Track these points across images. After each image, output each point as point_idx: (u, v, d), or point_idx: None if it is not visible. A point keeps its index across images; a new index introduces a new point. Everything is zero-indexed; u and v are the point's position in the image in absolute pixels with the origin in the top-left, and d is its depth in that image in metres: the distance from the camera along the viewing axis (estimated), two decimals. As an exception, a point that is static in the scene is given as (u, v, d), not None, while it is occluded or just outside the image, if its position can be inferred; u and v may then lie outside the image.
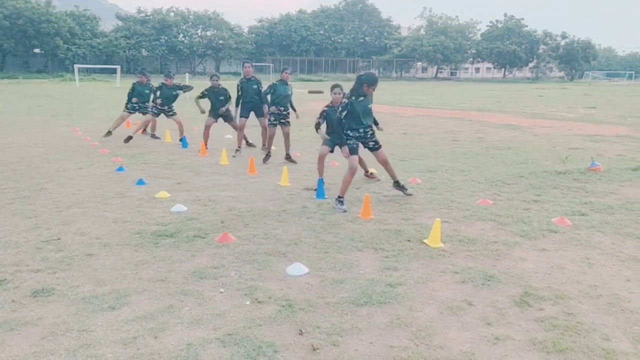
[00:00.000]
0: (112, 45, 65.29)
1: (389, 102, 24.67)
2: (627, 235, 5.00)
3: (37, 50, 62.40)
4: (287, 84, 9.02)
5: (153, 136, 12.21)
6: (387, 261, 4.30)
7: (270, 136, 9.18)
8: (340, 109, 6.16)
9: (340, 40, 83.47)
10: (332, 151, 7.14)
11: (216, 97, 10.02)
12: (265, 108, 9.39)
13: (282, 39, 78.96)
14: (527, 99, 29.42)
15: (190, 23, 73.87)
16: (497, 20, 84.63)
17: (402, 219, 5.52)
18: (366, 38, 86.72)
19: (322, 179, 6.72)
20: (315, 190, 6.63)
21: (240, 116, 9.56)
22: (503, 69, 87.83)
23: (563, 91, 41.59)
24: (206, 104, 10.13)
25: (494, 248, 4.63)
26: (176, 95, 10.87)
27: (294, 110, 9.08)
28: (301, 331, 3.14)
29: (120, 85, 37.50)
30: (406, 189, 6.53)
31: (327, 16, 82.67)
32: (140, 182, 7.22)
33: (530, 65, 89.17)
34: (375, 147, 6.35)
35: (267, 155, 9.16)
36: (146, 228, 5.16)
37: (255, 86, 9.49)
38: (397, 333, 3.14)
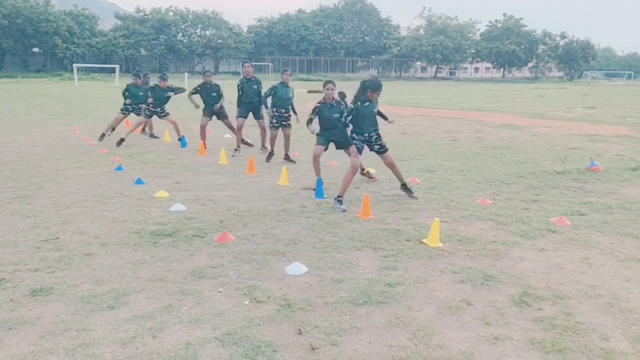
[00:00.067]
0: (111, 45, 65.23)
1: (388, 102, 24.66)
2: (626, 235, 5.00)
3: (35, 50, 62.31)
4: (287, 86, 9.00)
5: (152, 136, 12.20)
6: (386, 261, 4.30)
7: (272, 138, 9.17)
8: (346, 113, 6.25)
9: (339, 40, 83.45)
10: (326, 149, 7.14)
11: (209, 94, 10.01)
12: (263, 110, 9.41)
13: (281, 39, 78.92)
14: (526, 99, 29.44)
15: (189, 22, 73.81)
16: (496, 20, 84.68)
17: (401, 219, 5.52)
18: (365, 38, 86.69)
19: (321, 179, 6.72)
20: (314, 190, 6.63)
21: (240, 116, 9.56)
22: (502, 69, 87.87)
23: (562, 91, 41.62)
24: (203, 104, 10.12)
25: (493, 248, 4.64)
26: (168, 97, 10.82)
27: (295, 113, 9.06)
28: (300, 331, 3.14)
29: (119, 85, 37.45)
30: (412, 192, 6.51)
31: (326, 16, 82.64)
32: (139, 181, 7.21)
33: (530, 65, 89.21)
34: (381, 151, 6.37)
35: (270, 154, 9.16)
36: (145, 227, 5.15)
37: (255, 86, 9.49)
38: (396, 333, 3.14)
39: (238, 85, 9.59)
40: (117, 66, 46.26)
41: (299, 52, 79.30)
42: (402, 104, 24.27)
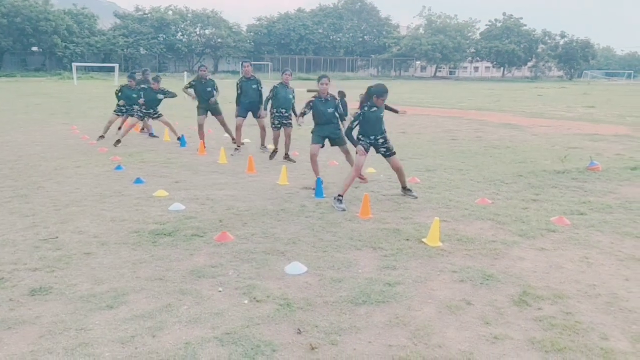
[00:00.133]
0: (111, 44, 65.21)
1: (388, 101, 24.66)
2: (625, 235, 5.00)
3: (35, 49, 62.27)
4: (288, 87, 8.98)
5: (151, 135, 12.20)
6: (385, 260, 4.30)
7: (276, 138, 9.17)
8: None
9: (339, 39, 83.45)
10: (322, 146, 7.13)
11: (204, 89, 9.99)
12: (262, 110, 9.40)
13: (281, 38, 78.90)
14: (526, 99, 29.43)
15: (189, 22, 73.78)
16: (496, 20, 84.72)
17: (401, 218, 5.52)
18: (365, 37, 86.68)
19: (321, 178, 6.72)
20: (314, 189, 6.63)
21: (239, 116, 9.54)
22: (502, 68, 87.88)
23: (562, 90, 41.62)
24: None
25: (492, 247, 4.63)
26: (160, 100, 10.78)
27: (296, 116, 9.02)
28: (300, 330, 3.14)
29: (119, 84, 37.44)
30: (412, 192, 6.52)
31: (326, 15, 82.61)
32: (139, 181, 7.20)
33: (530, 64, 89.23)
34: (388, 154, 6.38)
35: (274, 152, 9.15)
36: (144, 227, 5.15)
37: (254, 86, 9.47)
38: (396, 332, 3.14)
39: (237, 84, 9.58)
40: (116, 65, 46.24)
41: (299, 52, 79.28)
42: (401, 104, 24.25)
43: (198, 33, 74.96)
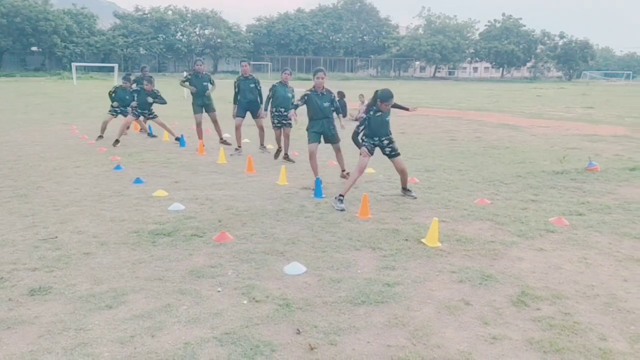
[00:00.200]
0: (110, 44, 65.19)
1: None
2: (624, 235, 5.01)
3: (34, 49, 62.23)
4: (287, 85, 8.97)
5: (149, 135, 12.19)
6: (384, 260, 4.30)
7: (277, 137, 9.17)
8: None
9: (338, 39, 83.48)
10: (319, 142, 7.12)
11: (200, 82, 9.99)
12: (262, 110, 9.40)
13: (280, 38, 78.91)
14: (525, 99, 29.46)
15: (189, 21, 73.79)
16: (495, 20, 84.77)
17: (399, 219, 5.53)
18: (364, 37, 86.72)
19: (320, 178, 6.72)
20: (313, 189, 6.63)
21: (237, 116, 9.54)
22: (501, 69, 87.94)
23: (561, 91, 41.66)
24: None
25: (491, 248, 4.64)
26: (151, 103, 10.75)
27: (296, 115, 9.01)
28: (299, 330, 3.14)
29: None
30: (411, 192, 6.53)
31: (325, 15, 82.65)
32: (138, 180, 7.20)
33: (528, 65, 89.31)
34: (392, 154, 6.38)
35: (278, 151, 9.15)
36: (144, 227, 5.15)
37: (252, 85, 9.45)
38: (395, 332, 3.14)
39: (235, 83, 9.56)
40: (115, 65, 46.15)
41: (298, 52, 79.28)
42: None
43: (197, 33, 74.97)
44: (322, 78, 6.98)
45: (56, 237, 4.80)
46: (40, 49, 61.52)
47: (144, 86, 10.66)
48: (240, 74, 9.66)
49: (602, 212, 5.82)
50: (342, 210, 5.80)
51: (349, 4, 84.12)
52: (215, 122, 10.42)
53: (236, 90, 9.48)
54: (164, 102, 10.87)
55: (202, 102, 10.14)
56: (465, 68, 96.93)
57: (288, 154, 9.09)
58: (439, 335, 3.12)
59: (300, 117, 7.45)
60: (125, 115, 11.08)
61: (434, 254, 4.47)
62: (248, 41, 77.03)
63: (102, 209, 5.79)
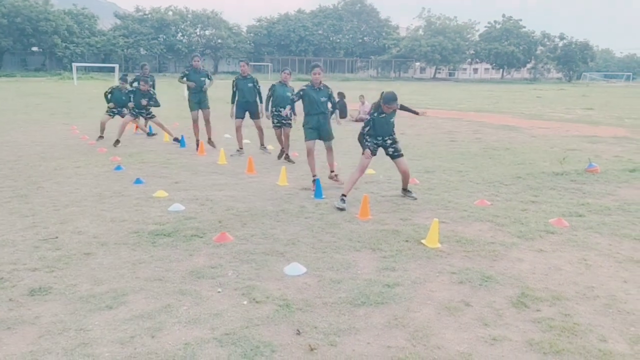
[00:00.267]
0: (111, 44, 65.20)
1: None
2: (624, 237, 5.01)
3: (35, 49, 62.25)
4: (286, 85, 8.97)
5: (149, 135, 12.19)
6: (384, 261, 4.31)
7: (278, 137, 9.18)
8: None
9: (338, 40, 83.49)
10: (315, 139, 7.11)
11: (197, 78, 9.99)
12: (262, 109, 9.39)
13: (280, 39, 78.94)
14: (525, 100, 29.47)
15: (189, 22, 73.81)
16: (495, 21, 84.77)
17: (399, 220, 5.53)
18: (365, 38, 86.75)
19: (319, 179, 6.73)
20: (314, 190, 6.64)
21: (236, 117, 9.53)
22: (501, 70, 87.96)
23: (561, 92, 41.67)
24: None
25: (491, 249, 4.64)
26: (145, 105, 10.74)
27: (295, 115, 9.02)
28: (299, 331, 3.14)
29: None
30: (411, 193, 6.54)
31: (325, 16, 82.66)
32: (138, 181, 7.21)
33: (528, 66, 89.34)
34: (395, 154, 6.40)
35: (282, 151, 9.15)
36: (144, 227, 5.15)
37: (250, 84, 9.43)
38: (395, 333, 3.15)
39: (233, 82, 9.56)
40: (116, 65, 46.18)
41: (299, 53, 79.30)
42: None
43: (198, 33, 75.01)
44: (319, 74, 6.98)
45: (56, 238, 4.80)
46: (41, 49, 61.55)
47: (140, 86, 10.65)
48: (239, 74, 9.66)
49: (602, 214, 5.82)
50: (342, 210, 5.81)
51: (349, 4, 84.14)
52: (207, 121, 10.39)
53: (234, 89, 9.48)
54: (157, 105, 10.88)
55: (199, 99, 10.13)
56: (465, 69, 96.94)
57: (289, 154, 9.09)
58: (439, 336, 3.12)
59: (300, 117, 7.45)
60: (122, 116, 11.09)
61: (434, 255, 4.47)
62: (248, 42, 77.07)
63: (102, 210, 5.80)
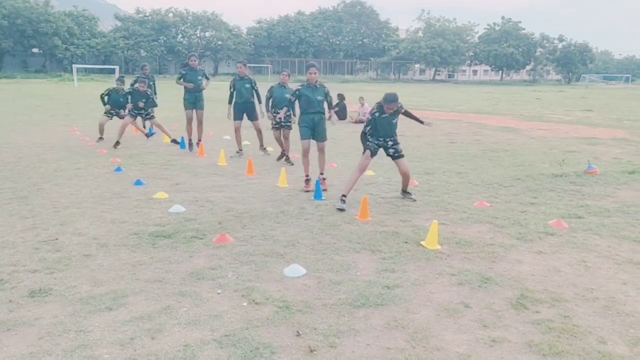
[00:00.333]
0: (111, 46, 65.32)
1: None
2: (623, 238, 5.02)
3: (35, 50, 62.36)
4: (285, 87, 8.98)
5: (148, 135, 12.18)
6: (384, 263, 4.31)
7: (277, 138, 9.18)
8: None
9: (338, 42, 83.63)
10: (311, 138, 7.12)
11: (195, 77, 9.99)
12: (262, 109, 9.39)
13: (280, 41, 79.05)
14: (525, 102, 29.50)
15: (189, 24, 73.97)
16: (494, 23, 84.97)
17: (399, 221, 5.54)
18: (364, 40, 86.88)
19: (319, 180, 6.74)
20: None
21: (235, 119, 9.54)
22: (500, 72, 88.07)
23: (560, 94, 41.71)
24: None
25: (490, 250, 4.65)
26: (142, 106, 10.74)
27: (294, 115, 9.04)
28: (298, 332, 3.15)
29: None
30: (410, 194, 6.55)
31: (325, 18, 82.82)
32: (138, 182, 7.21)
33: (528, 68, 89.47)
34: (396, 155, 6.40)
35: (282, 154, 9.16)
36: (144, 229, 5.16)
37: (248, 85, 9.42)
38: (394, 335, 3.15)
39: (231, 83, 9.56)
40: (116, 67, 46.32)
41: (298, 54, 79.37)
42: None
43: (198, 35, 75.15)
44: (315, 73, 6.99)
45: (56, 239, 4.80)
46: (41, 51, 61.64)
47: (138, 87, 10.65)
48: (237, 75, 9.67)
49: (601, 215, 5.83)
50: (342, 210, 5.82)
51: (349, 6, 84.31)
52: (200, 122, 10.39)
53: (232, 90, 9.48)
54: (154, 105, 10.88)
55: (194, 99, 10.13)
56: (464, 71, 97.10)
57: (288, 156, 9.10)
58: (438, 337, 3.12)
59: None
60: (121, 118, 11.10)
61: (433, 256, 4.48)
62: (248, 44, 77.21)
63: (102, 211, 5.80)
